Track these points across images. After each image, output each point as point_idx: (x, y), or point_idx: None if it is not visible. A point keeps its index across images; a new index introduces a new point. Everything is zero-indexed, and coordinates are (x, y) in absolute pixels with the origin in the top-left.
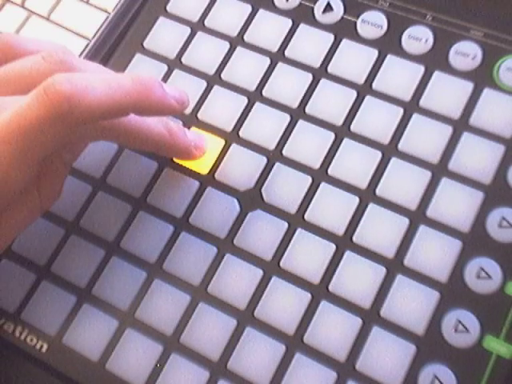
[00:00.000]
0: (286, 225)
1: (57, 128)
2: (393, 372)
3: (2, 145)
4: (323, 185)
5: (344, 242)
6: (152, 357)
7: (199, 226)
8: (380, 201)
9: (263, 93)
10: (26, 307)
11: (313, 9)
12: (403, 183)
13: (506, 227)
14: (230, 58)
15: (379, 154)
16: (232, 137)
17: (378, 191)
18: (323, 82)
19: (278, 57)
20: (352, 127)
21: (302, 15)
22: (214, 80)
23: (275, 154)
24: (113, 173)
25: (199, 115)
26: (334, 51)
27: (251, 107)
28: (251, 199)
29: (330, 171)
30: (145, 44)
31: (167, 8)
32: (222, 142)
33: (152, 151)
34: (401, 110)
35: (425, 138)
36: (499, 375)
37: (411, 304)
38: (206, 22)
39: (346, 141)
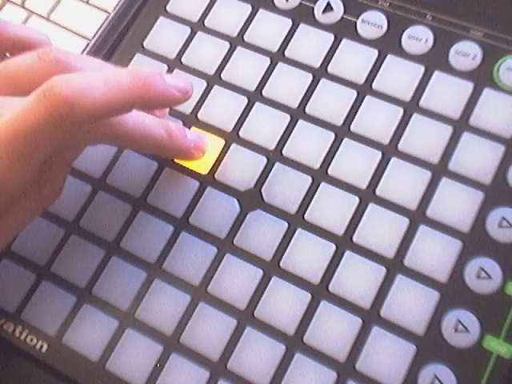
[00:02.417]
0: (286, 225)
1: (57, 131)
2: (393, 372)
3: (1, 147)
4: (323, 185)
5: (344, 242)
6: (152, 357)
7: (199, 226)
8: (380, 201)
9: (263, 93)
10: (26, 307)
11: (313, 9)
12: (403, 183)
13: (506, 227)
14: (229, 58)
15: (379, 154)
16: (232, 137)
17: (377, 191)
18: (323, 81)
19: (278, 57)
20: (352, 127)
21: (301, 15)
22: (214, 80)
23: (275, 154)
24: (113, 173)
25: (199, 115)
26: (334, 51)
27: (251, 107)
28: (251, 199)
29: (330, 171)
30: (145, 44)
31: (167, 8)
32: (222, 142)
33: (152, 153)
34: (401, 110)
35: (425, 137)
36: (499, 375)
37: (411, 304)
38: (206, 22)
39: (345, 141)
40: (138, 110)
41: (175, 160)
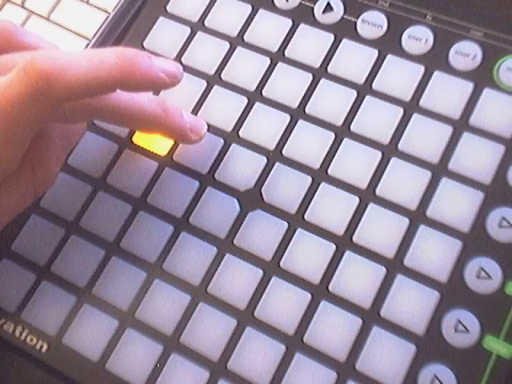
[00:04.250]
0: (286, 225)
1: (37, 106)
2: (393, 372)
3: None
4: (323, 185)
5: (344, 242)
6: (152, 357)
7: (199, 226)
8: (380, 201)
9: (263, 93)
10: (25, 307)
11: (313, 9)
12: (403, 183)
13: (506, 227)
14: (230, 58)
15: (379, 154)
16: (232, 137)
17: (378, 191)
18: (323, 81)
19: (277, 57)
20: (352, 127)
21: (301, 15)
22: (214, 80)
23: (275, 154)
24: (113, 173)
25: (199, 115)
26: (334, 51)
27: (251, 107)
28: (251, 199)
29: (330, 171)
30: (145, 44)
31: (167, 8)
32: (222, 142)
33: (146, 131)
34: (401, 110)
35: (425, 137)
36: (499, 375)
37: (411, 304)
38: (206, 22)
39: (345, 141)
40: (122, 90)
41: (175, 159)
